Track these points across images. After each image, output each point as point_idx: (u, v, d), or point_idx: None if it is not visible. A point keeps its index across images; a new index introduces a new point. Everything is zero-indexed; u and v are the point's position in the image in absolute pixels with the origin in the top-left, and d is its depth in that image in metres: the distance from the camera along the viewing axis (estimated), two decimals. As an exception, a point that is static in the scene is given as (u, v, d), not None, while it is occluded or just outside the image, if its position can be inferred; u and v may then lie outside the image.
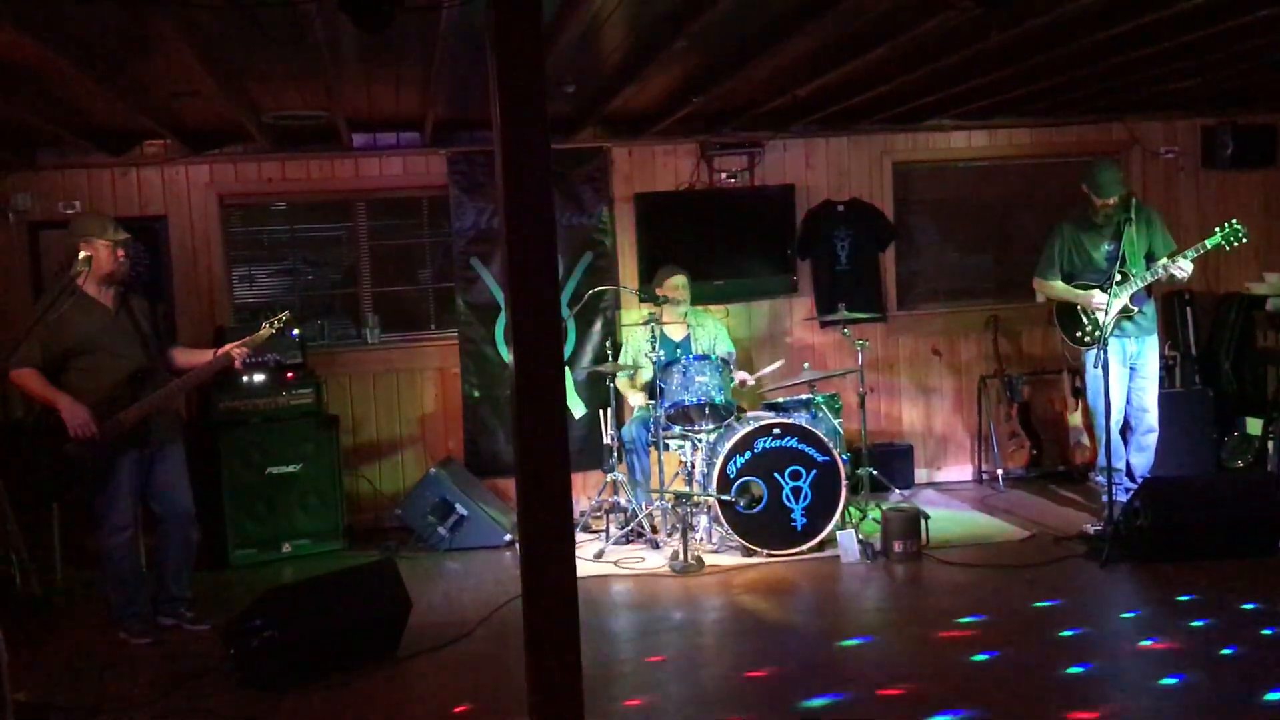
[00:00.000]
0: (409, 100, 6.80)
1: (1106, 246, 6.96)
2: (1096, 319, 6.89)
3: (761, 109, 7.43)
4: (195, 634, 5.90)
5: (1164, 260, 6.87)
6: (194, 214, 7.91)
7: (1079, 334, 7.07)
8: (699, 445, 7.13)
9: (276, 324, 6.04)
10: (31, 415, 6.06)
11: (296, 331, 7.44)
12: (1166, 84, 7.33)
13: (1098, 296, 6.89)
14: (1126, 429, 7.19)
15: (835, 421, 7.36)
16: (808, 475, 6.83)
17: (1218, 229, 6.83)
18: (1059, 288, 7.17)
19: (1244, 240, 6.82)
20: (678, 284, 7.61)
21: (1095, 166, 7.15)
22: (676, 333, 7.68)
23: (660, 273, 7.72)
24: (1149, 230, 7.05)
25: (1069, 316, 7.16)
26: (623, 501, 7.47)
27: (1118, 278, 6.85)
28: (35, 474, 5.81)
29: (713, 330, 7.79)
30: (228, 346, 5.94)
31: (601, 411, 7.76)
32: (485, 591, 6.46)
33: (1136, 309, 6.99)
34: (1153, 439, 7.18)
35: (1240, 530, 6.27)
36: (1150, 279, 6.89)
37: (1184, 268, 6.82)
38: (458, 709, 4.80)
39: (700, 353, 7.34)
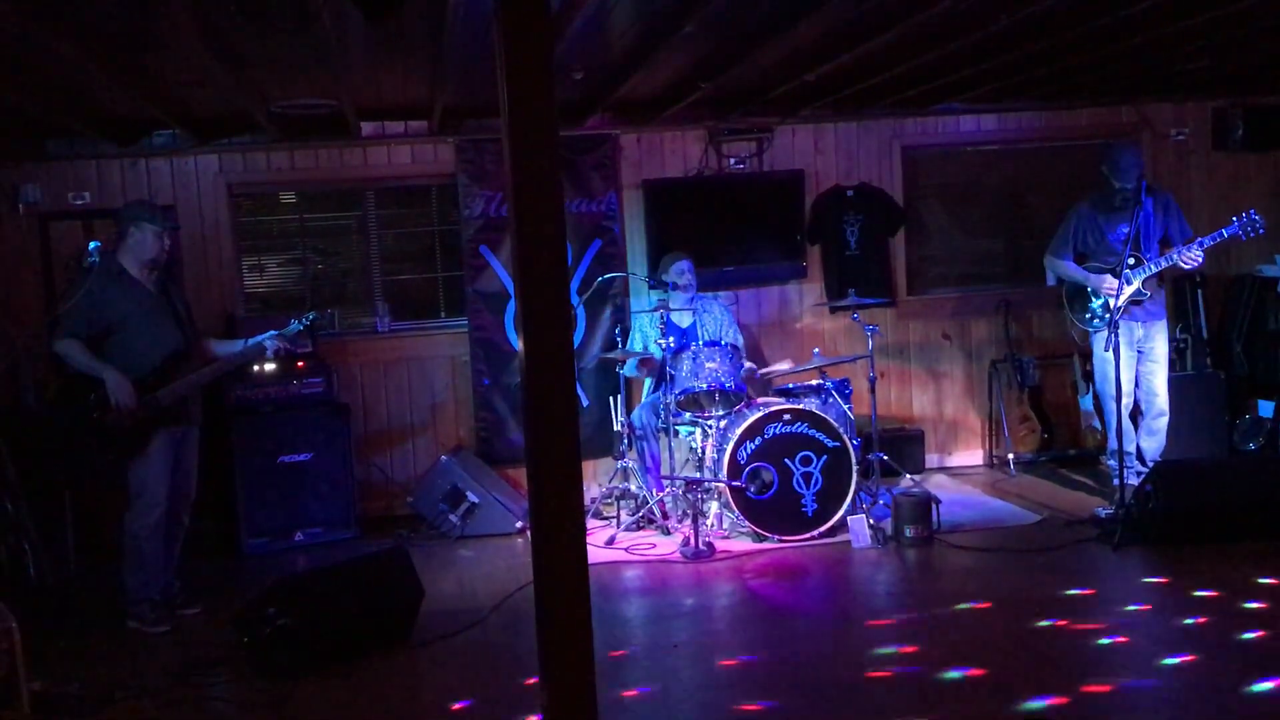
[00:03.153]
0: (417, 88, 6.79)
1: (1123, 229, 6.88)
2: (1106, 301, 6.86)
3: (770, 94, 7.41)
4: (199, 620, 5.98)
5: (1178, 247, 6.83)
6: (203, 204, 7.92)
7: (1088, 315, 7.06)
8: (709, 431, 7.14)
9: (305, 321, 6.21)
10: (48, 400, 6.13)
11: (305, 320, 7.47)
12: (1177, 66, 7.29)
13: (1109, 280, 6.86)
14: (1137, 413, 7.17)
15: (845, 407, 7.36)
16: (818, 461, 6.83)
17: (1235, 219, 6.78)
18: (1071, 268, 7.13)
19: (1261, 232, 6.77)
20: (683, 269, 7.61)
21: (1116, 149, 7.10)
22: (684, 320, 7.67)
23: (665, 259, 7.73)
24: (1165, 216, 7.01)
25: (1079, 297, 7.13)
26: (633, 488, 7.48)
27: (1130, 261, 6.82)
28: (69, 448, 5.89)
29: (719, 317, 7.78)
30: (261, 337, 6.09)
31: (612, 398, 7.76)
32: (497, 578, 6.47)
33: (1148, 295, 6.96)
34: (1163, 423, 7.15)
35: (1253, 513, 6.26)
36: (1163, 265, 6.85)
37: (1194, 257, 6.77)
38: (470, 695, 4.81)
39: (708, 339, 7.34)
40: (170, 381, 5.83)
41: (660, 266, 7.75)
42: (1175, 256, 6.80)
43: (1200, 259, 6.80)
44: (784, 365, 7.75)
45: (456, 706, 4.72)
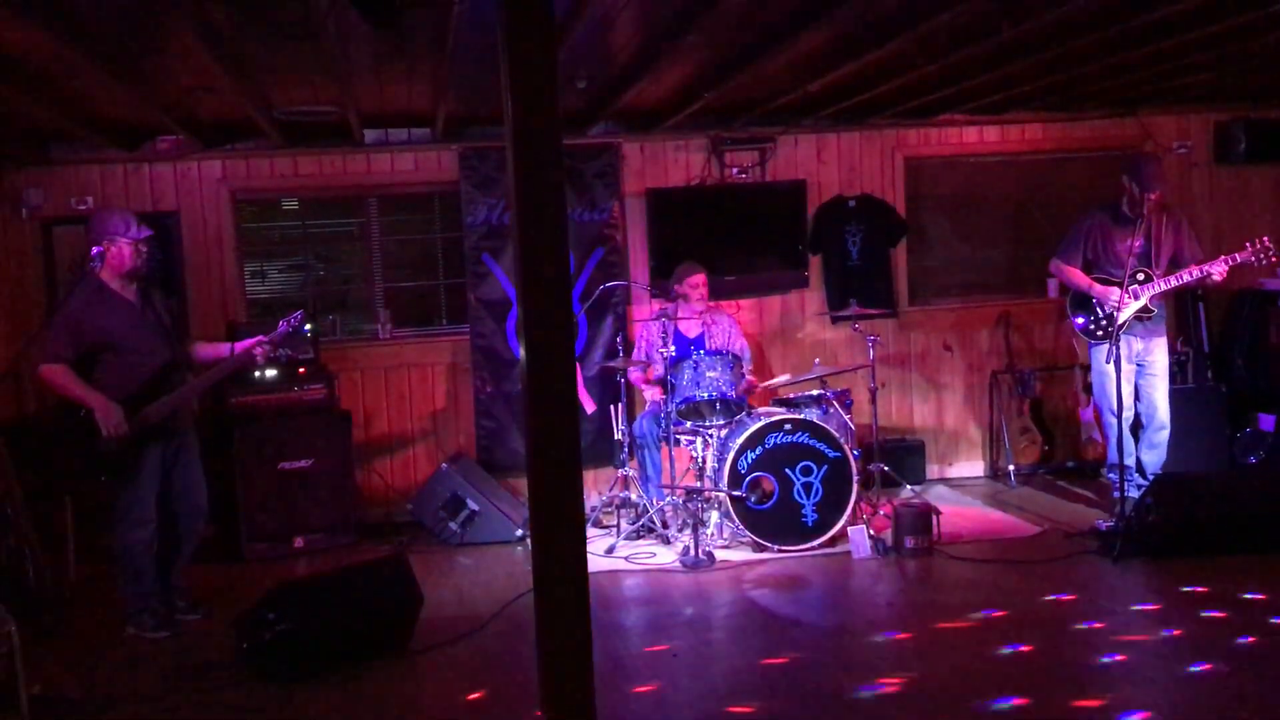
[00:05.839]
0: (421, 95, 6.81)
1: (1134, 242, 6.83)
2: (1111, 314, 6.86)
3: (773, 104, 7.42)
4: (199, 625, 5.96)
5: (1199, 262, 6.83)
6: (206, 210, 7.93)
7: (1090, 325, 7.05)
8: (710, 440, 7.13)
9: (293, 323, 6.07)
10: (47, 408, 6.08)
11: (309, 327, 7.45)
12: (1180, 78, 7.30)
13: (1114, 294, 6.83)
14: (1138, 426, 7.16)
15: (846, 417, 7.36)
16: (819, 471, 6.82)
17: (1247, 244, 6.79)
18: (1077, 276, 7.10)
19: (1274, 259, 6.78)
20: (697, 283, 7.60)
21: (1140, 159, 7.08)
22: (691, 329, 7.66)
23: (681, 269, 7.70)
24: (1176, 235, 7.01)
25: (1084, 306, 7.12)
26: (634, 497, 7.47)
27: (1140, 276, 6.82)
28: (62, 467, 5.84)
29: (727, 327, 7.77)
30: (248, 343, 5.97)
31: (612, 407, 7.76)
32: (497, 586, 6.47)
33: (1154, 312, 6.97)
34: (1164, 436, 7.14)
35: (1253, 526, 6.25)
36: (1186, 281, 6.84)
37: (1223, 270, 6.77)
38: (469, 703, 4.81)
39: (714, 349, 7.34)
40: (160, 396, 5.75)
41: (674, 275, 7.72)
42: (1208, 268, 6.77)
43: (1225, 272, 6.80)
44: (783, 378, 7.75)
45: (455, 714, 4.71)
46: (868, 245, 8.56)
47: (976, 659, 4.99)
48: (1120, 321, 6.70)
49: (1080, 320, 7.12)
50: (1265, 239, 6.78)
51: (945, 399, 8.85)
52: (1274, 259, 6.79)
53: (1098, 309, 7.03)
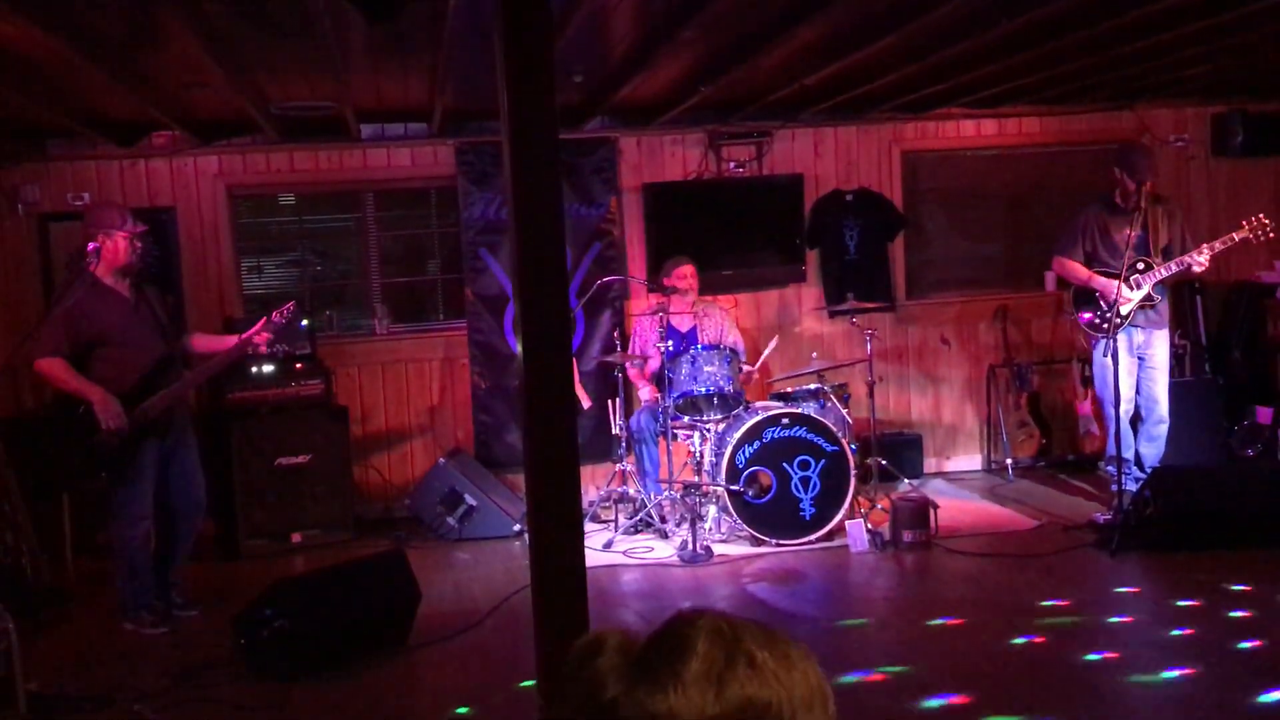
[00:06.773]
0: (417, 91, 6.79)
1: (1131, 232, 6.84)
2: (1115, 305, 6.84)
3: (770, 98, 7.41)
4: (197, 622, 5.95)
5: (1189, 251, 6.83)
6: (202, 205, 7.91)
7: (1097, 320, 7.04)
8: (707, 435, 7.13)
9: (285, 314, 6.05)
10: (44, 404, 6.07)
11: (305, 322, 7.44)
12: (1178, 71, 7.30)
13: (1116, 285, 6.81)
14: (1137, 419, 7.16)
15: (844, 411, 7.36)
16: (816, 465, 6.82)
17: (1244, 222, 6.79)
18: (1080, 271, 7.08)
19: (1271, 235, 6.77)
20: (685, 273, 7.59)
21: (1130, 149, 7.10)
22: (683, 323, 7.66)
23: (668, 264, 7.70)
24: (1170, 225, 7.01)
25: (1089, 301, 7.10)
26: (631, 491, 7.47)
27: (1140, 266, 6.82)
28: (59, 463, 5.83)
29: (719, 321, 7.77)
30: (249, 333, 5.96)
31: (610, 402, 7.75)
32: (494, 581, 6.47)
33: (1159, 299, 6.96)
34: (1163, 430, 7.14)
35: (1250, 519, 6.25)
36: (1173, 270, 6.83)
37: (1202, 262, 6.77)
38: (467, 698, 4.81)
39: (707, 343, 7.34)
40: (155, 392, 5.74)
41: (663, 270, 7.73)
42: (1188, 260, 6.78)
43: (1205, 262, 6.80)
44: (771, 344, 7.73)
45: (453, 709, 4.71)
46: (865, 239, 8.55)
47: (974, 652, 4.99)
48: (1125, 313, 6.69)
49: (1086, 316, 7.08)
50: (1261, 215, 6.78)
51: (943, 393, 8.85)
52: (1271, 234, 6.78)
53: (1101, 302, 7.01)
